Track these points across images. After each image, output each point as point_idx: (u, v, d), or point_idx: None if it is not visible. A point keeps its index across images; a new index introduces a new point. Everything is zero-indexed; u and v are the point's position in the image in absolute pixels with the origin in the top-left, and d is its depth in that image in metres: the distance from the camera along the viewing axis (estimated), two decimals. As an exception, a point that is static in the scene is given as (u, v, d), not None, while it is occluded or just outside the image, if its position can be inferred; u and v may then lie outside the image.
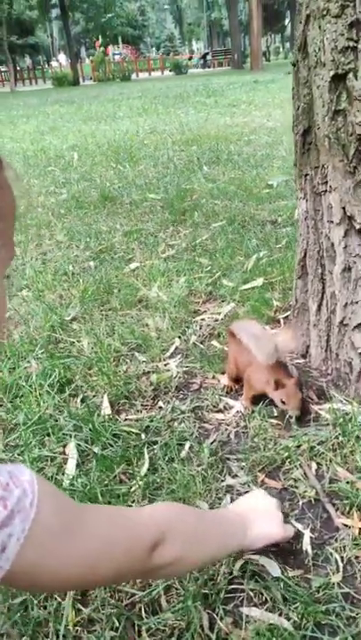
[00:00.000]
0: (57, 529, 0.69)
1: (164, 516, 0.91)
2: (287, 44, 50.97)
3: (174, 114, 9.98)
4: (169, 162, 5.36)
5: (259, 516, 1.10)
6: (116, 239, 3.28)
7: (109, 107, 12.84)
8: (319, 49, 1.43)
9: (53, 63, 46.05)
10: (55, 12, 40.74)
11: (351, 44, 1.34)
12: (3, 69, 40.19)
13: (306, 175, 1.63)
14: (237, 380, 1.72)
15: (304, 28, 1.50)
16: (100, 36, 36.45)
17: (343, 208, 1.47)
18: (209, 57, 42.64)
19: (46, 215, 3.94)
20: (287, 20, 46.11)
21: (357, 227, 1.45)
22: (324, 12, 1.37)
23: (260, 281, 2.41)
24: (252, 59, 27.44)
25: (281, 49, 53.69)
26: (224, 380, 1.77)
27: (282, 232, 3.07)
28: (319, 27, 1.42)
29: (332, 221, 1.53)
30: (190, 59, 44.04)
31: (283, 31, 54.78)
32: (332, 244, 1.55)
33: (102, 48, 31.23)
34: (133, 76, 32.08)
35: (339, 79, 1.39)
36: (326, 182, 1.52)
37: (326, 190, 1.53)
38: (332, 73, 1.39)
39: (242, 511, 1.11)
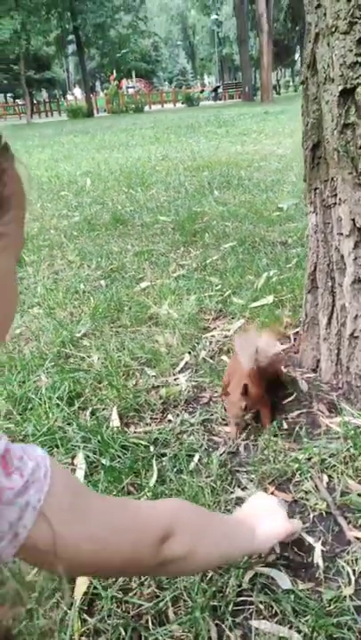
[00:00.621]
0: (68, 505, 0.70)
1: (173, 509, 0.91)
2: (297, 78, 51.99)
3: (186, 142, 10.16)
4: (180, 186, 5.44)
5: (263, 515, 1.08)
6: (127, 259, 3.31)
7: (122, 136, 13.11)
8: (328, 65, 1.46)
9: (69, 96, 47.24)
10: (71, 48, 41.95)
11: (359, 59, 1.36)
12: (20, 102, 41.29)
13: (315, 189, 1.64)
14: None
15: (313, 47, 1.53)
16: (114, 71, 37.47)
17: (353, 220, 1.48)
18: (220, 90, 43.58)
19: (58, 237, 3.99)
20: (297, 55, 47.13)
21: (367, 238, 1.45)
22: (333, 30, 1.40)
23: (270, 298, 2.41)
24: (262, 91, 27.98)
25: (291, 83, 54.73)
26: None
27: (292, 252, 3.08)
28: (328, 44, 1.45)
29: (341, 233, 1.53)
30: (202, 91, 45.05)
31: (293, 65, 55.94)
32: (342, 257, 1.56)
33: (116, 81, 32.04)
34: (146, 108, 32.80)
35: (347, 94, 1.41)
36: (336, 195, 1.53)
37: (336, 203, 1.54)
38: (340, 88, 1.41)
39: (246, 515, 1.09)
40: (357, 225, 1.46)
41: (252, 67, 37.96)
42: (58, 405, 1.78)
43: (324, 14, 1.44)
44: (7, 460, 0.64)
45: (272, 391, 1.66)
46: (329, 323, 1.69)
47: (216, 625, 1.03)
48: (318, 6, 1.46)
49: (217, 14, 56.15)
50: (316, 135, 1.57)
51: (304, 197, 1.76)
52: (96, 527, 0.75)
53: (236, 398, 1.52)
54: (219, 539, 0.97)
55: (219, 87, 45.38)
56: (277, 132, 10.61)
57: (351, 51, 1.36)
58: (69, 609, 1.07)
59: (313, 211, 1.69)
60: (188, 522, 0.89)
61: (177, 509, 0.92)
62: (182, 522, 0.87)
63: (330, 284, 1.66)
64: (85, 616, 1.07)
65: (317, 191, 1.63)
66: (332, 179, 1.52)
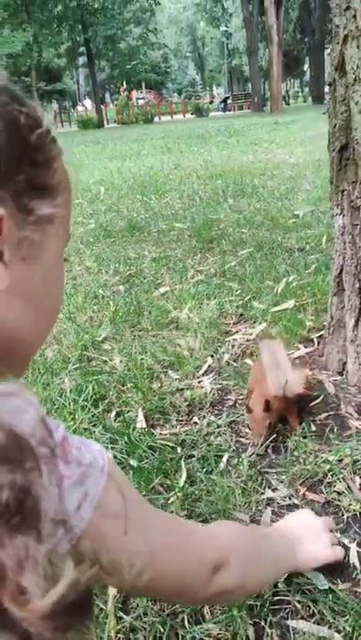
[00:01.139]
0: (121, 507, 0.67)
1: (226, 538, 0.88)
2: (306, 89, 52.24)
3: (197, 152, 10.21)
4: (194, 194, 5.46)
5: (307, 536, 1.07)
6: (145, 265, 3.32)
7: (134, 146, 13.19)
8: (358, 66, 1.46)
9: (79, 107, 47.70)
10: (82, 60, 42.43)
11: (390, 59, 1.37)
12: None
13: (343, 191, 1.64)
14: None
15: (341, 48, 1.53)
16: (124, 82, 37.83)
17: (383, 220, 1.47)
18: (230, 101, 43.85)
19: (75, 243, 4.01)
20: (306, 66, 47.38)
21: None
22: (363, 31, 1.41)
23: (290, 303, 2.41)
24: (272, 102, 28.14)
25: (300, 93, 55.00)
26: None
27: (311, 258, 3.07)
28: (358, 46, 1.46)
29: (370, 234, 1.53)
30: (211, 102, 45.34)
31: (302, 76, 56.24)
32: (371, 258, 1.55)
33: (126, 92, 32.34)
34: (156, 119, 33.03)
35: (378, 94, 1.41)
36: (365, 196, 1.53)
37: (365, 204, 1.53)
38: (371, 88, 1.41)
39: (290, 531, 1.08)
40: (387, 225, 1.46)
41: (262, 77, 38.20)
42: (83, 408, 1.78)
43: (354, 16, 1.44)
44: (65, 447, 0.63)
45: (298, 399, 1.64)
46: (356, 325, 1.68)
47: (253, 624, 1.02)
48: (347, 8, 1.46)
49: (226, 26, 56.63)
50: (345, 137, 1.57)
51: (330, 200, 1.76)
52: (155, 539, 0.71)
53: (259, 415, 1.49)
54: (268, 566, 0.96)
55: (228, 98, 45.65)
56: (289, 141, 10.64)
57: (382, 52, 1.37)
58: (105, 606, 1.07)
59: (340, 213, 1.68)
60: (240, 551, 0.87)
61: (230, 538, 0.89)
62: (236, 552, 0.84)
63: (357, 285, 1.65)
64: (121, 614, 1.06)
65: (345, 193, 1.63)
66: (362, 180, 1.52)
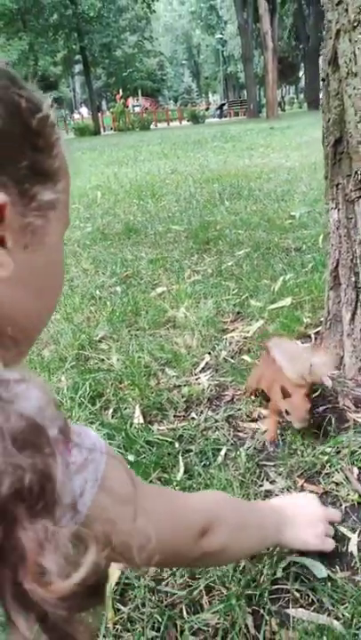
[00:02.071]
0: (124, 486, 0.68)
1: (212, 503, 0.92)
2: (301, 95, 52.52)
3: (194, 157, 10.24)
4: (191, 197, 5.47)
5: (301, 520, 1.07)
6: (142, 266, 3.32)
7: (130, 152, 13.24)
8: (350, 60, 1.47)
9: (75, 115, 47.88)
10: (78, 68, 42.64)
11: (383, 52, 1.38)
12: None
13: (338, 185, 1.65)
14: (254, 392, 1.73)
15: (334, 43, 1.54)
16: (120, 90, 37.99)
17: (377, 212, 1.48)
18: (225, 107, 44.05)
19: (72, 246, 4.01)
20: (301, 72, 47.65)
21: (392, 230, 1.45)
22: (355, 24, 1.42)
23: (288, 300, 2.41)
24: (267, 108, 28.26)
25: (296, 100, 55.29)
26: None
27: (307, 257, 3.08)
28: (350, 39, 1.47)
29: (365, 227, 1.53)
30: (207, 109, 45.53)
31: (297, 83, 56.56)
32: (367, 250, 1.55)
33: (123, 100, 32.48)
34: (152, 126, 33.17)
35: (371, 87, 1.42)
36: (360, 188, 1.53)
37: (360, 197, 1.54)
38: (363, 81, 1.42)
39: (282, 508, 1.08)
40: (382, 217, 1.47)
41: (257, 84, 38.39)
42: (80, 405, 1.77)
43: (346, 10, 1.45)
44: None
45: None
46: (353, 318, 1.68)
47: (252, 613, 1.01)
48: (339, 2, 1.47)
49: (221, 33, 57.00)
50: (338, 131, 1.58)
51: (325, 195, 1.77)
52: (151, 512, 0.74)
53: (299, 400, 1.41)
54: (253, 532, 0.98)
55: (224, 105, 45.87)
56: (284, 145, 10.68)
57: (374, 44, 1.38)
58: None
59: (335, 207, 1.69)
60: (226, 517, 0.90)
61: (217, 504, 0.93)
62: (221, 516, 0.88)
63: (353, 279, 1.65)
64: (119, 605, 1.06)
65: (340, 187, 1.64)
66: (356, 172, 1.53)
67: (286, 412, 1.43)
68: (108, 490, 0.65)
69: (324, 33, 1.63)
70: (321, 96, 1.71)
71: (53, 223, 0.63)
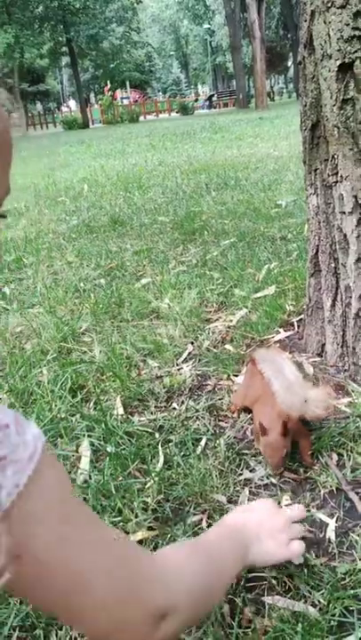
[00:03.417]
0: (54, 506, 0.58)
1: (174, 577, 0.75)
2: (291, 85, 52.36)
3: (182, 148, 10.19)
4: (177, 188, 5.44)
5: (264, 534, 0.99)
6: (127, 258, 3.30)
7: (118, 145, 13.16)
8: (325, 42, 1.45)
9: (63, 108, 47.50)
10: (65, 60, 42.24)
11: (357, 32, 1.35)
12: (15, 115, 41.53)
13: (315, 169, 1.63)
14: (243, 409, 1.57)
15: (309, 25, 1.52)
16: (108, 82, 37.70)
17: (355, 196, 1.46)
18: (215, 98, 43.82)
19: (57, 239, 3.98)
20: (290, 62, 47.47)
21: (370, 214, 1.44)
22: (329, 5, 1.40)
23: (272, 289, 2.39)
24: (256, 98, 28.11)
25: (285, 89, 55.08)
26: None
27: (293, 246, 3.06)
28: (324, 21, 1.44)
29: (343, 212, 1.52)
30: (196, 100, 45.30)
31: (286, 72, 56.34)
32: (345, 236, 1.54)
33: (111, 92, 32.24)
34: (141, 118, 32.97)
35: (346, 68, 1.40)
36: (337, 173, 1.51)
37: (337, 181, 1.52)
38: (338, 63, 1.40)
39: (246, 526, 0.99)
40: (360, 201, 1.45)
41: (246, 74, 38.20)
42: (61, 397, 1.76)
43: (320, -9, 1.43)
44: None
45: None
46: (333, 304, 1.67)
47: (228, 602, 1.00)
48: (313, -16, 1.45)
49: (209, 24, 56.63)
50: (315, 114, 1.56)
51: (304, 180, 1.75)
52: (88, 555, 0.61)
53: (274, 440, 1.23)
54: (218, 588, 0.87)
55: (213, 95, 45.64)
56: (273, 135, 10.64)
57: (348, 25, 1.36)
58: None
59: (313, 192, 1.67)
60: (189, 594, 0.74)
61: (178, 576, 0.76)
62: (184, 595, 0.73)
63: (333, 265, 1.64)
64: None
65: (318, 171, 1.62)
66: (333, 157, 1.51)
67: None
68: (32, 498, 0.55)
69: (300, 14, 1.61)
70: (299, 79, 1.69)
71: None
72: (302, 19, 1.57)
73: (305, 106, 1.61)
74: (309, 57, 1.55)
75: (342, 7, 1.36)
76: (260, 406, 1.34)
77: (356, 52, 1.36)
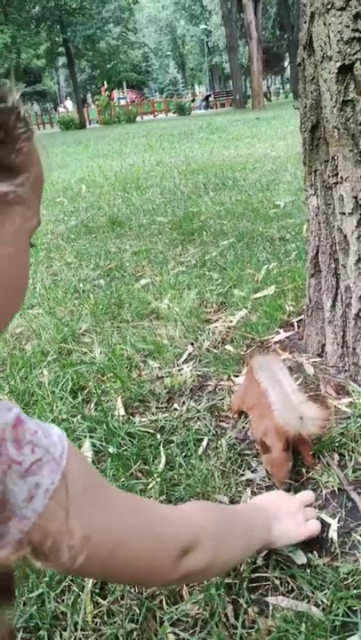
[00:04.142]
0: (85, 492, 0.65)
1: (197, 518, 0.85)
2: (287, 85, 52.38)
3: (179, 148, 10.19)
4: (176, 189, 5.44)
5: (282, 514, 1.05)
6: (126, 258, 3.30)
7: (115, 145, 13.16)
8: (325, 43, 1.45)
9: (60, 109, 47.44)
10: (62, 61, 42.18)
11: (357, 34, 1.36)
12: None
13: (316, 171, 1.64)
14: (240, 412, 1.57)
15: (309, 26, 1.53)
16: (105, 82, 37.68)
17: (355, 197, 1.47)
18: (211, 98, 43.83)
19: (56, 240, 3.98)
20: (286, 62, 47.48)
21: (370, 215, 1.44)
22: (329, 7, 1.40)
23: (271, 289, 2.40)
24: (253, 98, 28.13)
25: (281, 90, 55.11)
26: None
27: (291, 246, 3.07)
28: (324, 22, 1.45)
29: (343, 213, 1.52)
30: (193, 100, 45.32)
31: (282, 72, 56.37)
32: (345, 236, 1.54)
33: (108, 92, 32.22)
34: (138, 119, 32.96)
35: (346, 70, 1.40)
36: (337, 174, 1.52)
37: (337, 182, 1.53)
38: (338, 64, 1.40)
39: (265, 507, 1.06)
40: (360, 202, 1.46)
41: (243, 75, 38.23)
42: (61, 398, 1.76)
43: (320, -7, 1.43)
44: (19, 431, 0.59)
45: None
46: (334, 305, 1.67)
47: (231, 602, 1.01)
48: (313, -15, 1.45)
49: (206, 24, 56.65)
50: (315, 116, 1.57)
51: (304, 181, 1.75)
52: (117, 523, 0.70)
53: (277, 457, 1.23)
54: (240, 544, 0.93)
55: (210, 96, 45.65)
56: (270, 136, 10.66)
57: (348, 26, 1.36)
58: (82, 591, 1.05)
59: (313, 193, 1.68)
60: (211, 534, 0.83)
61: (200, 517, 0.85)
62: (206, 533, 0.82)
63: (333, 265, 1.65)
64: (98, 599, 1.05)
65: (317, 172, 1.63)
66: (333, 158, 1.52)
67: (266, 470, 1.30)
68: (61, 497, 0.60)
69: (299, 16, 1.61)
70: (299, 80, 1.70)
71: (10, 218, 0.60)
72: (302, 20, 1.57)
73: (305, 107, 1.62)
74: (309, 58, 1.56)
75: (342, 9, 1.36)
76: (258, 417, 1.34)
77: (356, 53, 1.36)
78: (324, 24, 1.44)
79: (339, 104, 1.44)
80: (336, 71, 1.41)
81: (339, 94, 1.43)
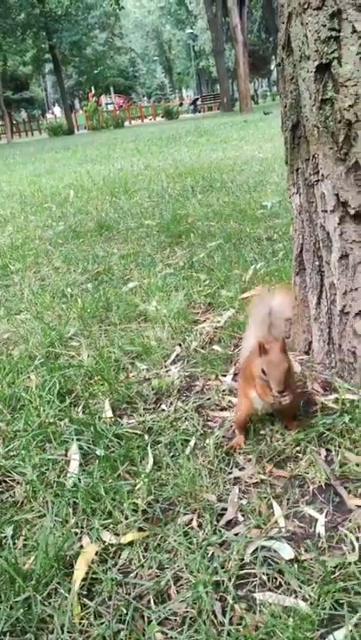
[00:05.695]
0: None
1: None
2: (274, 88, 52.62)
3: (168, 152, 10.20)
4: (163, 192, 5.44)
5: None
6: (114, 262, 3.30)
7: (104, 150, 13.15)
8: (303, 43, 1.46)
9: (48, 115, 47.39)
10: (49, 67, 42.18)
11: (333, 33, 1.37)
12: (0, 123, 41.42)
13: (297, 169, 1.65)
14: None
15: (287, 26, 1.54)
16: (92, 88, 37.70)
17: (336, 195, 1.48)
18: (199, 102, 43.93)
19: (43, 245, 3.97)
20: (272, 65, 47.71)
21: (352, 212, 1.45)
22: (306, 7, 1.41)
23: (258, 289, 2.40)
24: (241, 101, 28.22)
25: (268, 92, 55.35)
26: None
27: (278, 246, 3.08)
28: (301, 22, 1.46)
29: (326, 210, 1.53)
30: (181, 104, 45.40)
31: (269, 75, 56.63)
32: (328, 234, 1.55)
33: (95, 98, 32.24)
34: (126, 124, 32.98)
35: (323, 69, 1.41)
36: (318, 172, 1.53)
37: (319, 180, 1.54)
38: (316, 63, 1.42)
39: None
40: (341, 199, 1.46)
41: (230, 78, 38.36)
42: (49, 402, 1.75)
43: (296, -7, 1.44)
44: None
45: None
46: (319, 302, 1.68)
47: (219, 599, 1.01)
48: (290, -15, 1.47)
49: (192, 28, 56.82)
50: (295, 115, 1.58)
51: (287, 179, 1.76)
52: None
53: (275, 357, 1.29)
54: None
55: (197, 99, 45.75)
56: (257, 138, 10.69)
57: (325, 26, 1.37)
58: (68, 593, 1.04)
59: (296, 191, 1.69)
60: None
61: None
62: None
63: (317, 263, 1.65)
64: (85, 600, 1.04)
65: (299, 171, 1.64)
66: (314, 156, 1.53)
67: (263, 371, 1.31)
68: None
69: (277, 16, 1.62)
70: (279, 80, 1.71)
71: None
72: (280, 20, 1.58)
73: (285, 107, 1.63)
74: (288, 58, 1.57)
75: (318, 8, 1.37)
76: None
77: (333, 52, 1.37)
78: (302, 24, 1.46)
79: (318, 103, 1.45)
80: (314, 70, 1.43)
81: (317, 93, 1.44)
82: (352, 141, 1.39)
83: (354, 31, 1.32)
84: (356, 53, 1.32)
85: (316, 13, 1.39)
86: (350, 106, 1.36)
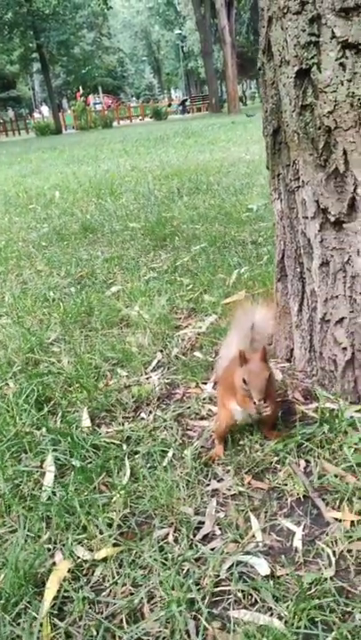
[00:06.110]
0: None
1: None
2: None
3: (155, 153, 10.17)
4: (149, 194, 5.41)
5: None
6: (97, 265, 3.26)
7: (91, 150, 13.09)
8: (283, 48, 1.44)
9: (36, 114, 47.10)
10: (36, 66, 41.93)
11: (313, 38, 1.35)
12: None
13: (278, 175, 1.63)
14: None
15: (267, 31, 1.52)
16: (80, 87, 37.55)
17: (317, 201, 1.46)
18: (188, 103, 43.93)
19: (27, 248, 3.93)
20: (261, 66, 47.67)
21: (332, 219, 1.43)
22: (285, 11, 1.40)
23: (242, 294, 2.39)
24: (229, 102, 28.28)
25: (256, 94, 55.47)
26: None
27: (263, 250, 3.06)
28: (281, 27, 1.44)
29: (306, 217, 1.52)
30: (170, 105, 45.36)
31: (257, 77, 56.73)
32: (309, 240, 1.54)
33: (83, 98, 32.09)
34: (115, 124, 32.87)
35: (303, 75, 1.40)
36: (298, 178, 1.51)
37: (299, 186, 1.52)
38: (296, 69, 1.40)
39: None
40: (321, 206, 1.45)
41: (218, 79, 38.41)
42: (25, 410, 1.72)
43: (276, -3, 1.43)
44: None
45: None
46: (300, 309, 1.66)
47: (193, 618, 0.98)
48: (270, -11, 1.45)
49: (180, 29, 56.81)
50: (276, 120, 1.56)
51: (269, 185, 1.74)
52: None
53: (256, 366, 1.29)
54: None
55: (186, 100, 45.73)
56: (245, 139, 10.70)
57: (304, 31, 1.35)
58: (37, 613, 1.01)
59: (278, 197, 1.67)
60: None
61: None
62: None
63: (298, 269, 1.64)
64: (56, 620, 1.01)
65: (280, 177, 1.62)
66: (294, 162, 1.51)
67: (244, 380, 1.28)
68: None
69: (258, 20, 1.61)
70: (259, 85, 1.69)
71: None
72: (260, 24, 1.57)
73: (266, 111, 1.61)
74: (268, 63, 1.55)
75: (298, 13, 1.35)
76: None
77: (312, 57, 1.36)
78: (282, 28, 1.44)
79: (298, 108, 1.43)
80: (294, 75, 1.41)
81: (297, 99, 1.42)
82: (332, 148, 1.38)
83: (333, 37, 1.30)
84: (336, 59, 1.31)
85: (296, 18, 1.37)
86: (330, 112, 1.34)
